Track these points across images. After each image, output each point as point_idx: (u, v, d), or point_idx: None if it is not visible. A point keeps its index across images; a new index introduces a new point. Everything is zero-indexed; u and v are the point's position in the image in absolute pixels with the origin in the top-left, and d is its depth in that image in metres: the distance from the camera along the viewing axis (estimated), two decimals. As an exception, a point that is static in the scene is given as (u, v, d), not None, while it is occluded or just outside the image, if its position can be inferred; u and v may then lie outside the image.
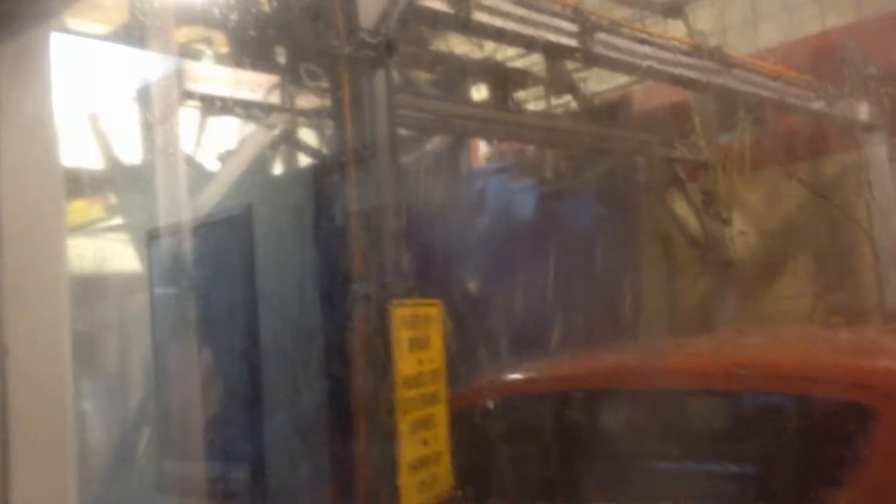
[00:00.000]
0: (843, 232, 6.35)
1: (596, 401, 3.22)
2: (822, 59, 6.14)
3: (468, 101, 5.52)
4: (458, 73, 5.44)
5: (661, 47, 5.17)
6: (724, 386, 2.91)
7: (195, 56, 4.51)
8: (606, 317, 5.59)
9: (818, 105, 6.00)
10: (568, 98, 6.15)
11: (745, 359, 3.10)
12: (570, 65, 5.99)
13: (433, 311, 3.16)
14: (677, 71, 5.25)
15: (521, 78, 5.75)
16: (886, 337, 3.20)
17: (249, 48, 4.65)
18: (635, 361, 3.52)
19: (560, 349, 5.00)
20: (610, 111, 6.08)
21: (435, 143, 5.51)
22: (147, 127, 4.12)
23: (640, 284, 6.03)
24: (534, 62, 5.88)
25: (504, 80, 5.74)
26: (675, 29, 6.00)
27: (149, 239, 3.72)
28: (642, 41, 5.06)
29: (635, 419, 3.14)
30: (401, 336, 2.92)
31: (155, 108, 4.11)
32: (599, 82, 6.42)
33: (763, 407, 2.85)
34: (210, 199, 4.22)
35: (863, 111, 6.17)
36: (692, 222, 6.20)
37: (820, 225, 6.40)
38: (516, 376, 3.67)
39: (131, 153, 3.99)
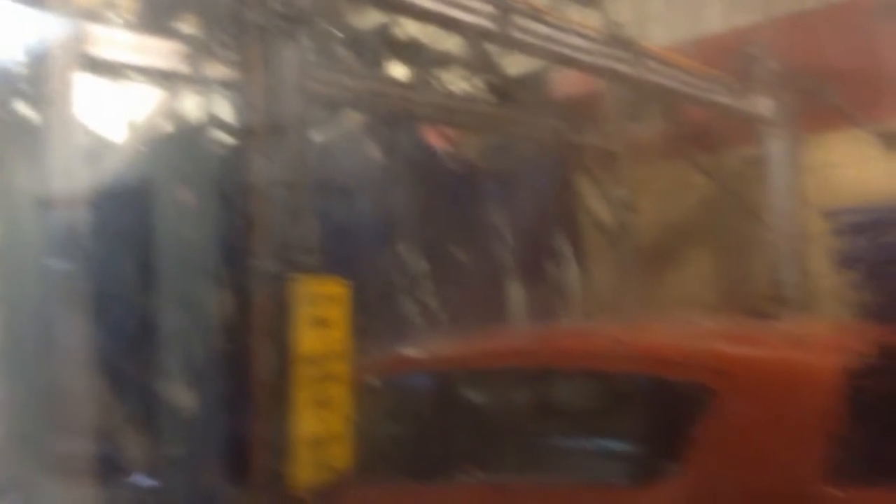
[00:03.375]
0: (744, 222, 6.58)
1: (478, 379, 3.38)
2: (731, 54, 6.32)
3: (382, 79, 5.46)
4: (375, 49, 5.39)
5: (577, 35, 5.23)
6: (587, 367, 3.16)
7: (98, 19, 4.33)
8: (514, 298, 5.66)
9: (725, 99, 6.17)
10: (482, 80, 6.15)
11: (606, 342, 3.32)
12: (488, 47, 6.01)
13: (339, 291, 3.13)
14: (591, 59, 5.32)
15: (437, 57, 5.73)
16: (750, 323, 3.42)
17: (158, 14, 4.50)
18: (508, 343, 3.68)
19: (454, 328, 5.09)
20: (522, 93, 6.11)
21: (355, 121, 5.46)
22: (42, 91, 3.93)
23: (549, 267, 6.11)
24: (453, 42, 5.88)
25: (421, 58, 5.72)
26: (594, 18, 6.06)
27: (40, 207, 3.55)
28: (559, 28, 5.10)
29: (509, 397, 3.33)
30: (302, 314, 2.88)
31: (52, 73, 3.93)
32: (514, 67, 6.46)
33: (622, 387, 3.08)
34: (110, 169, 4.07)
35: (766, 107, 6.38)
36: (601, 209, 6.31)
37: (722, 215, 6.61)
38: (405, 355, 3.74)
39: (23, 118, 3.80)
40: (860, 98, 5.98)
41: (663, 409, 2.95)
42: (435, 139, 6.24)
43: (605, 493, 2.92)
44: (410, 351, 3.81)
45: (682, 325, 3.79)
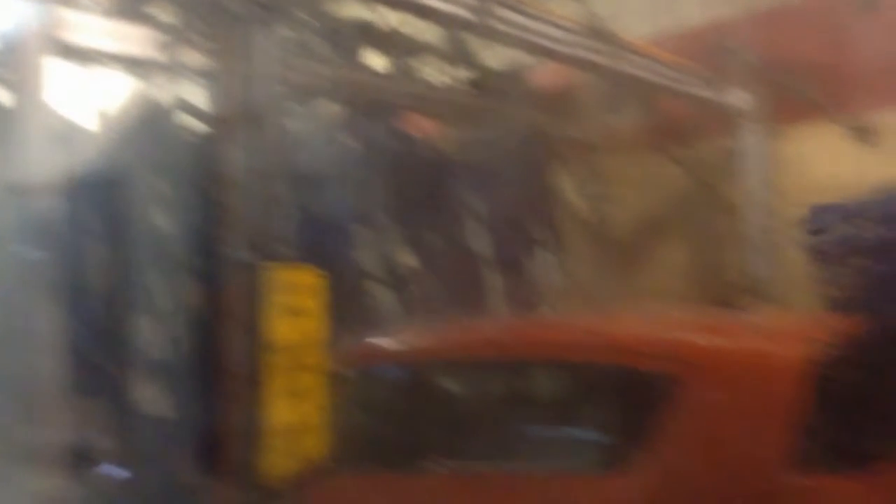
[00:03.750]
0: (718, 213, 6.62)
1: (449, 369, 3.42)
2: (708, 48, 6.35)
3: (359, 68, 5.44)
4: (353, 38, 5.36)
5: (556, 26, 5.23)
6: (557, 357, 3.21)
7: (72, 4, 4.28)
8: (493, 289, 5.67)
9: (701, 92, 6.20)
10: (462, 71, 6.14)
11: (575, 333, 3.40)
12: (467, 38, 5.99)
13: (314, 280, 3.11)
14: (569, 51, 5.32)
15: (415, 47, 5.72)
16: (718, 313, 3.48)
17: (133, 0, 4.45)
18: (479, 334, 3.71)
19: (429, 318, 5.12)
20: (502, 87, 6.11)
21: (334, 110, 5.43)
22: (14, 77, 3.88)
23: (526, 258, 6.13)
24: (432, 33, 5.86)
25: (401, 48, 5.70)
26: (574, 10, 6.06)
27: (11, 195, 3.51)
28: (538, 19, 5.10)
29: (480, 387, 3.40)
30: (274, 301, 2.87)
31: (25, 59, 3.88)
32: (494, 59, 6.45)
33: (590, 377, 3.12)
34: (82, 156, 4.03)
35: (742, 99, 6.41)
36: (577, 200, 6.33)
37: (698, 206, 6.65)
38: (378, 345, 3.76)
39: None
40: (834, 92, 6.03)
41: (631, 399, 2.98)
42: (412, 129, 6.23)
43: (574, 481, 2.96)
44: (384, 341, 3.83)
45: (650, 315, 3.84)
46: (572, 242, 6.38)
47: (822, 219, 3.70)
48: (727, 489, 2.68)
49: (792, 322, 3.83)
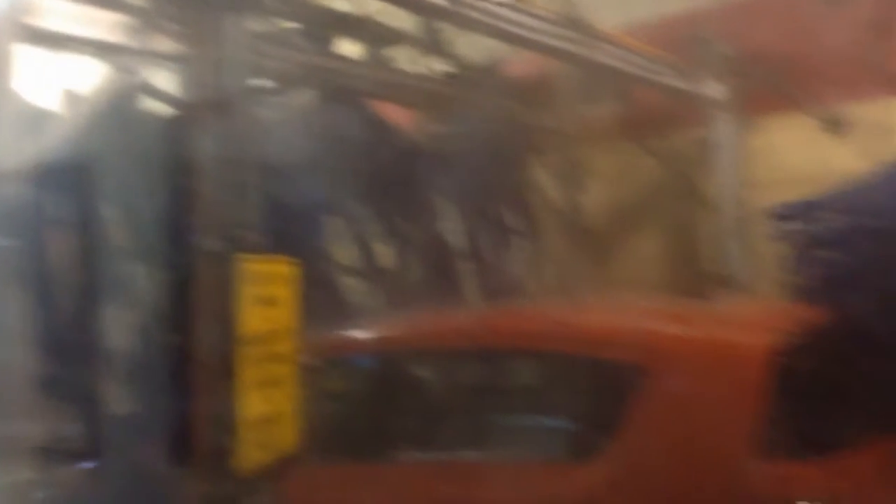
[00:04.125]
0: (692, 203, 6.67)
1: (419, 359, 3.47)
2: (683, 38, 6.37)
3: (332, 55, 5.40)
4: (326, 25, 5.31)
5: (530, 15, 5.22)
6: (525, 347, 3.26)
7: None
8: (466, 278, 5.67)
9: (675, 82, 6.22)
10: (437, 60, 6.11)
11: (543, 323, 3.45)
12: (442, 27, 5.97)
13: (285, 269, 3.09)
14: (544, 40, 5.31)
15: (390, 35, 5.68)
16: (685, 303, 3.54)
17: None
18: (449, 324, 3.75)
19: (401, 307, 5.14)
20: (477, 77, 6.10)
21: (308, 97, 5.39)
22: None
23: (501, 248, 6.14)
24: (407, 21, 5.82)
25: (374, 36, 5.66)
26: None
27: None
28: (512, 7, 5.08)
29: (450, 377, 3.44)
30: (246, 292, 2.84)
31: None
32: (468, 48, 6.43)
33: (559, 366, 3.18)
34: (53, 143, 3.97)
35: (715, 90, 6.44)
36: (552, 189, 6.34)
37: (671, 196, 6.69)
38: (348, 335, 3.77)
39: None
40: (806, 83, 6.08)
41: (600, 388, 3.04)
42: (386, 118, 6.21)
43: (543, 469, 2.99)
44: (354, 331, 3.83)
45: (618, 305, 3.88)
46: (547, 232, 6.39)
47: (789, 211, 3.74)
48: (693, 476, 2.74)
49: (758, 312, 3.89)
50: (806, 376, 2.92)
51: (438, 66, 6.12)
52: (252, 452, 2.73)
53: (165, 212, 3.29)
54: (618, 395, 2.91)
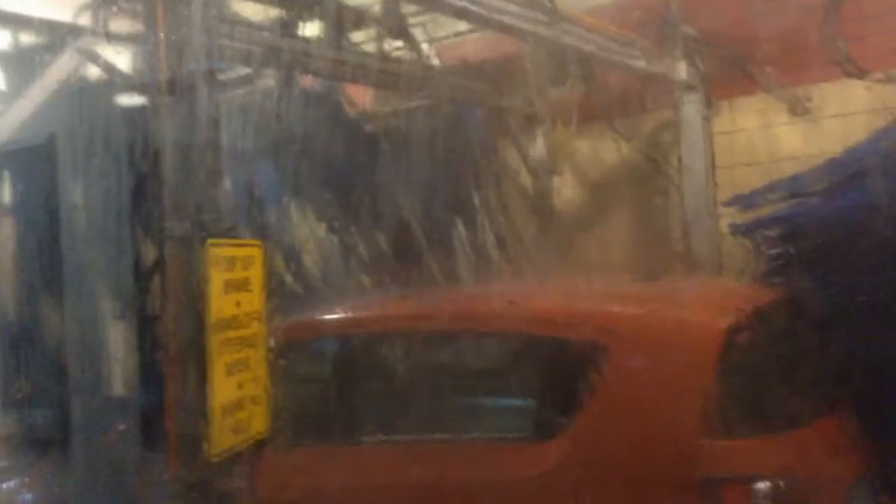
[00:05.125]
0: (658, 185, 6.72)
1: (384, 342, 3.52)
2: (649, 19, 6.39)
3: (296, 36, 5.33)
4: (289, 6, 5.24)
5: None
6: (487, 328, 3.31)
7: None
8: (430, 260, 5.67)
9: (642, 63, 6.25)
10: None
11: (504, 304, 3.47)
12: (408, 8, 5.92)
13: (254, 252, 3.06)
14: (511, 21, 5.30)
15: (354, 17, 5.62)
16: (645, 283, 3.61)
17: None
18: (412, 306, 3.82)
19: (366, 290, 5.16)
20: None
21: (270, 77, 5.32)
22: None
23: (467, 229, 6.13)
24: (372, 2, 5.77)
25: (338, 17, 5.60)
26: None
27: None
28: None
29: (414, 358, 3.48)
30: (216, 277, 2.80)
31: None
32: (438, 29, 6.40)
33: (520, 346, 3.26)
34: (9, 126, 3.88)
35: (681, 71, 6.49)
36: (522, 172, 6.34)
37: (639, 178, 6.74)
38: (311, 319, 3.78)
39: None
40: (771, 65, 6.14)
41: (559, 367, 3.10)
42: (349, 99, 6.16)
43: (507, 447, 3.04)
44: (317, 315, 3.84)
45: (577, 285, 3.95)
46: (514, 213, 6.40)
47: (750, 195, 3.81)
48: (650, 453, 2.80)
49: (714, 292, 3.96)
50: (758, 355, 3.00)
51: (401, 46, 6.08)
52: (223, 436, 2.70)
53: (131, 196, 3.24)
54: (578, 374, 2.97)
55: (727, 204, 4.00)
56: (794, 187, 3.67)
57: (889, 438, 2.98)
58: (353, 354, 3.56)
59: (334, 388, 3.53)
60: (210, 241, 2.84)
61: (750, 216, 3.78)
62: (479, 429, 3.20)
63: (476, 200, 6.30)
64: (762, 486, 2.63)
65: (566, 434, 2.91)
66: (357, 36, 5.81)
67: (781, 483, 2.65)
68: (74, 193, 3.42)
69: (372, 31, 5.95)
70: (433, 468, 3.06)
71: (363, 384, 3.48)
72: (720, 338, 2.89)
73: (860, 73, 5.74)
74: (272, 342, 3.03)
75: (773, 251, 3.53)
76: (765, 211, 3.68)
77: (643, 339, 3.00)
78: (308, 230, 5.35)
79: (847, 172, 3.46)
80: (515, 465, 2.95)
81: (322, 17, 5.53)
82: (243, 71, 4.88)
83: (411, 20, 6.18)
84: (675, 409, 2.83)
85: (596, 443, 2.88)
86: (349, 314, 3.91)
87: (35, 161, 3.42)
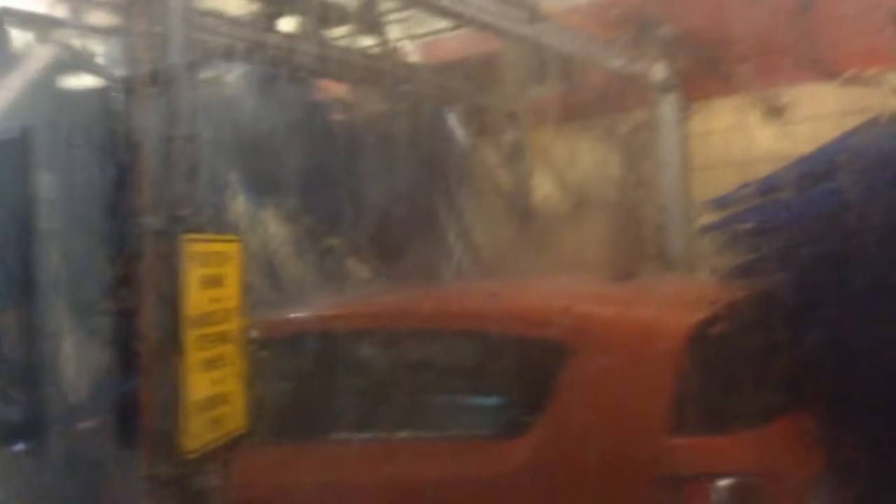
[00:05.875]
0: (636, 185, 6.76)
1: (352, 340, 3.54)
2: (626, 19, 6.43)
3: (275, 31, 5.31)
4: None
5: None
6: (456, 326, 3.35)
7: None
8: (405, 258, 5.67)
9: (619, 63, 6.29)
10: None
11: (472, 303, 3.57)
12: (388, 5, 5.92)
13: (230, 247, 3.05)
14: (490, 19, 5.31)
15: (331, 12, 5.61)
16: (613, 282, 3.64)
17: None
18: (381, 304, 3.87)
19: (338, 287, 5.17)
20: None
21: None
22: None
23: (444, 229, 6.14)
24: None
25: (314, 13, 5.58)
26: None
27: None
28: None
29: (384, 356, 3.52)
30: (192, 273, 2.79)
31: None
32: (418, 26, 6.40)
33: (488, 345, 3.27)
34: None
35: (658, 72, 6.53)
36: (499, 171, 6.36)
37: (616, 177, 6.78)
38: (286, 315, 3.78)
39: None
40: (746, 66, 6.19)
41: (527, 366, 3.12)
42: (325, 95, 6.15)
43: (475, 445, 3.07)
44: (291, 312, 3.84)
45: (545, 285, 3.99)
46: (491, 212, 6.42)
47: (723, 197, 3.86)
48: (615, 451, 2.84)
49: (682, 291, 4.01)
50: (723, 354, 3.05)
51: (379, 43, 6.07)
52: (199, 433, 2.70)
53: (107, 190, 3.21)
54: (545, 373, 3.01)
55: (704, 208, 4.04)
56: (765, 186, 3.70)
57: (849, 435, 3.03)
58: (319, 353, 3.58)
59: (305, 386, 3.54)
60: (186, 236, 2.82)
61: (721, 214, 3.81)
62: (447, 426, 3.24)
63: (451, 200, 6.31)
64: (724, 482, 2.68)
65: (533, 432, 2.95)
66: (334, 33, 5.80)
67: (743, 480, 2.71)
68: (49, 188, 3.39)
69: (347, 28, 5.95)
70: (401, 466, 3.09)
71: (333, 381, 3.50)
72: (685, 337, 2.94)
73: (831, 75, 5.81)
74: (254, 337, 3.02)
75: (742, 248, 3.56)
76: (736, 209, 3.72)
77: (609, 338, 3.05)
78: (284, 225, 5.34)
79: (818, 170, 3.50)
80: (484, 462, 2.99)
81: (300, 12, 5.52)
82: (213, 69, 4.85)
83: (391, 17, 6.18)
84: (640, 407, 2.88)
85: (562, 441, 2.92)
86: (320, 312, 3.92)
87: (8, 155, 3.38)
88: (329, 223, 5.49)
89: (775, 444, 2.91)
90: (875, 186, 3.17)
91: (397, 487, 3.07)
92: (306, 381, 3.55)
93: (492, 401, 3.28)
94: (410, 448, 3.15)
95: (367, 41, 6.05)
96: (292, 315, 3.91)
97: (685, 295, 3.72)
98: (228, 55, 4.85)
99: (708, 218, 3.91)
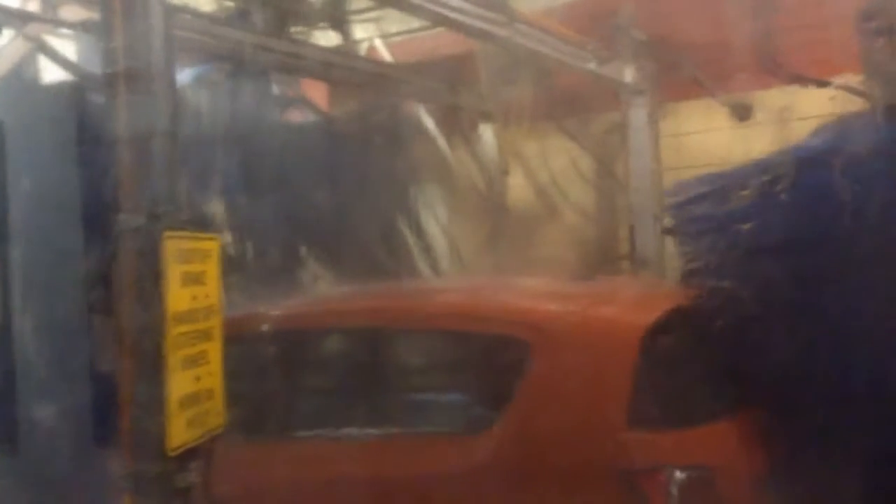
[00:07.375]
0: (606, 186, 6.83)
1: (316, 338, 3.61)
2: (599, 21, 6.48)
3: (254, 30, 5.28)
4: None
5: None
6: (419, 325, 3.40)
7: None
8: (378, 257, 5.68)
9: (592, 66, 6.34)
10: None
11: (439, 302, 3.62)
12: (360, 3, 5.92)
13: (211, 245, 3.03)
14: (464, 20, 5.32)
15: (299, 9, 5.59)
16: (575, 281, 3.72)
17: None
18: (348, 303, 3.89)
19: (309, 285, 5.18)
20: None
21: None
22: None
23: (418, 227, 6.15)
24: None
25: (283, 10, 5.55)
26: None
27: None
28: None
29: (349, 355, 3.59)
30: (173, 271, 2.77)
31: None
32: (391, 25, 6.41)
33: (451, 343, 3.35)
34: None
35: (629, 74, 6.60)
36: (473, 170, 6.38)
37: (589, 179, 6.84)
38: (254, 313, 3.78)
39: None
40: (715, 70, 6.29)
41: (487, 363, 3.21)
42: (300, 94, 6.13)
43: (438, 442, 3.12)
44: (256, 310, 3.84)
45: (510, 284, 4.05)
46: (466, 212, 6.44)
47: (681, 194, 3.90)
48: (573, 446, 2.92)
49: (641, 291, 4.10)
50: (678, 351, 3.13)
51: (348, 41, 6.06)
52: (180, 431, 2.68)
53: (85, 187, 3.18)
54: (506, 370, 3.08)
55: (670, 193, 4.07)
56: (719, 182, 3.73)
57: (800, 432, 3.11)
58: (285, 351, 3.59)
59: (269, 384, 3.55)
60: (166, 233, 2.80)
61: (682, 216, 3.86)
62: (412, 423, 3.28)
63: (421, 200, 6.32)
64: (678, 475, 2.75)
65: (496, 428, 3.00)
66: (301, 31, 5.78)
67: (699, 473, 2.78)
68: (24, 185, 3.34)
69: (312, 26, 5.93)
70: (366, 463, 3.12)
71: (297, 380, 3.53)
72: (641, 335, 3.02)
73: (794, 80, 5.90)
74: (229, 335, 3.01)
75: (699, 249, 3.62)
76: (696, 211, 3.76)
77: (567, 336, 3.12)
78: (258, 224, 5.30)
79: (776, 172, 3.55)
80: (448, 458, 3.04)
81: (267, 7, 5.48)
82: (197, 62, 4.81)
83: (363, 16, 6.19)
84: (597, 402, 2.96)
85: (524, 436, 2.98)
86: (287, 310, 3.92)
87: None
88: (286, 224, 5.45)
89: (730, 438, 3.02)
90: (835, 188, 3.21)
91: (362, 484, 3.10)
92: (270, 379, 3.56)
93: (454, 397, 3.34)
94: (375, 445, 3.18)
95: (336, 39, 6.05)
96: (254, 313, 3.90)
97: (642, 295, 3.82)
98: (201, 52, 4.82)
99: (671, 220, 3.96)
